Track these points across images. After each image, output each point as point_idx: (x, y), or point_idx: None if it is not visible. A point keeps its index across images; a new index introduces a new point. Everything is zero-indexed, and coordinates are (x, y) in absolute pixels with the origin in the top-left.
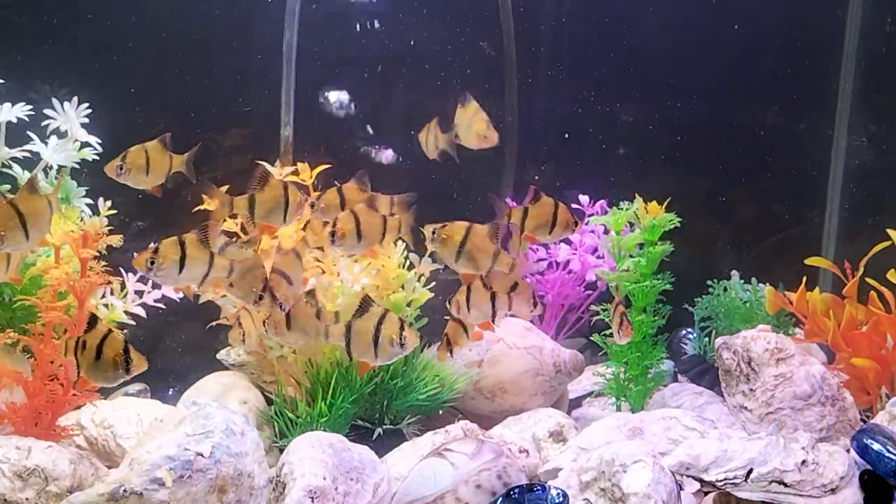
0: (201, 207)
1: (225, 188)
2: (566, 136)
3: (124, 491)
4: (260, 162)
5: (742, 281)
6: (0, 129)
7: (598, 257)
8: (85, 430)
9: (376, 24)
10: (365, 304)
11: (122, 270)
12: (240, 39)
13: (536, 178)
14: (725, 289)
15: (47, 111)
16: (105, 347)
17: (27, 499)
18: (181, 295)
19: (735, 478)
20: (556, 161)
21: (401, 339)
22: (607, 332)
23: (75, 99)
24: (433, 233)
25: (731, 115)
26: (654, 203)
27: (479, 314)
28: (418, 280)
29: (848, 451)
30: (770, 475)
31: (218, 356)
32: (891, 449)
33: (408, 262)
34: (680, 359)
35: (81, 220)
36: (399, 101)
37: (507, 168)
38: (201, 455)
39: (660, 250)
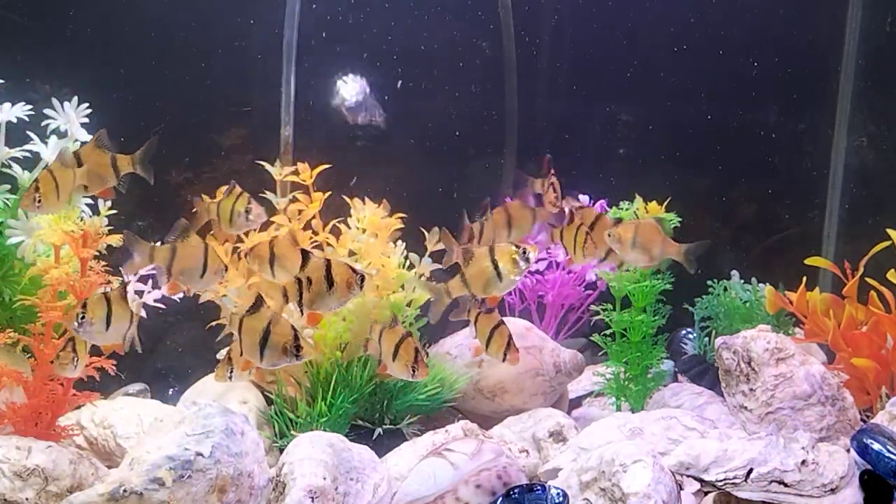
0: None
1: (225, 188)
2: (566, 136)
3: (124, 491)
4: (260, 162)
5: (742, 281)
6: (0, 128)
7: None
8: (85, 430)
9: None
10: (257, 303)
11: (123, 270)
12: (240, 39)
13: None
14: (725, 289)
15: (47, 111)
16: None
17: (27, 499)
18: (181, 295)
19: (735, 478)
20: (556, 161)
21: (295, 348)
22: (607, 331)
23: (75, 99)
24: None
25: (731, 115)
26: (654, 203)
27: None
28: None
29: (848, 450)
30: (770, 475)
31: (218, 356)
32: (891, 449)
33: (408, 262)
34: (680, 359)
35: (81, 219)
36: (399, 100)
37: (507, 168)
38: (201, 455)
39: None
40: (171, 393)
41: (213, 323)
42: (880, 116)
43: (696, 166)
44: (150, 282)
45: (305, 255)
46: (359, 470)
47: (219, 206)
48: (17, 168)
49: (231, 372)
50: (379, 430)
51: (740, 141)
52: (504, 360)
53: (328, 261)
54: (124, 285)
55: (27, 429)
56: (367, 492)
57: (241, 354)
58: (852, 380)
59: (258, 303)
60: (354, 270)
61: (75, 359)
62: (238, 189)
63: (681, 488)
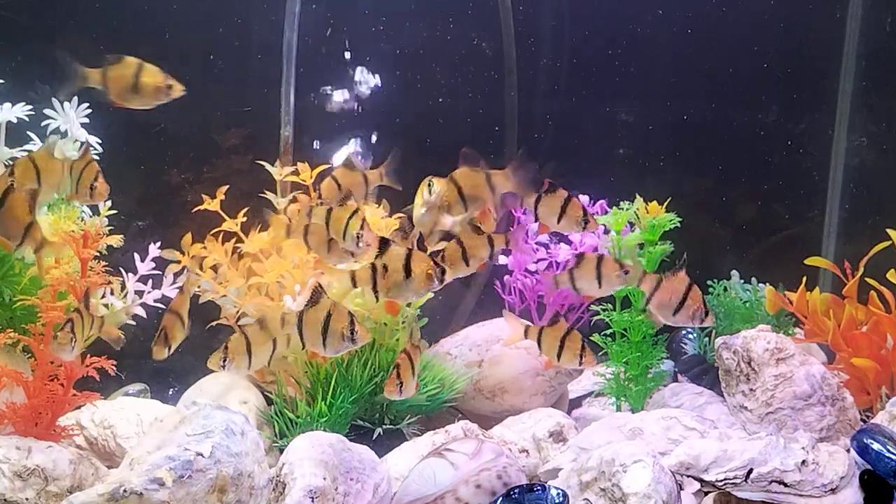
0: (201, 208)
1: (225, 188)
2: (566, 135)
3: (124, 491)
4: (260, 162)
5: (742, 281)
6: (0, 128)
7: None
8: (85, 430)
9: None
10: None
11: (122, 270)
12: (240, 39)
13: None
14: (725, 289)
15: (47, 111)
16: None
17: (27, 499)
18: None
19: (735, 478)
20: (555, 161)
21: (352, 333)
22: (607, 331)
23: (75, 99)
24: None
25: (731, 115)
26: (654, 203)
27: None
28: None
29: (848, 451)
30: (770, 475)
31: None
32: (891, 449)
33: None
34: (680, 359)
35: (81, 220)
36: (398, 100)
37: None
38: (201, 455)
39: (660, 250)
40: (171, 393)
41: (213, 323)
42: (880, 116)
43: (696, 166)
44: (150, 282)
45: (385, 242)
46: (359, 470)
47: (329, 214)
48: None
49: (225, 361)
50: (379, 430)
51: (740, 141)
52: (581, 363)
53: (409, 250)
54: (86, 294)
55: (27, 429)
56: (367, 492)
57: (303, 348)
58: (852, 380)
59: (317, 295)
60: (436, 263)
61: (73, 339)
62: (353, 203)
63: (681, 488)
